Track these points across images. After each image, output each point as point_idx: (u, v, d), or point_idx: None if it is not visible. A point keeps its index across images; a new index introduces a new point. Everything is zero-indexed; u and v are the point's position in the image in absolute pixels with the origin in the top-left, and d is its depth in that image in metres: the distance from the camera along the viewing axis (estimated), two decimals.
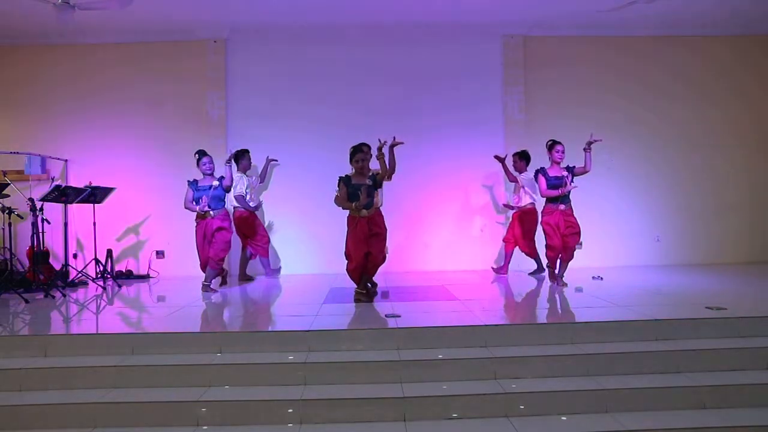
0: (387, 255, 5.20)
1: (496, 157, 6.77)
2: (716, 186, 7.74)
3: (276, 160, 7.40)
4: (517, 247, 6.76)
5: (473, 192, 7.59)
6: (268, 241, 6.93)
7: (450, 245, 7.57)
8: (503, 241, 6.96)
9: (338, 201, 5.07)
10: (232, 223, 6.08)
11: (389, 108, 7.44)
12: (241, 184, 6.61)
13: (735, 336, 3.93)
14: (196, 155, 5.94)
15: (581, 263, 7.37)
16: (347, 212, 5.14)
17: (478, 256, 7.50)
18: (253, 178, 7.04)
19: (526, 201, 6.61)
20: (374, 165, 5.19)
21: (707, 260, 7.63)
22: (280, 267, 7.37)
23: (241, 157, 6.72)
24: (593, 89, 7.67)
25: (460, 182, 7.60)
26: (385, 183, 6.37)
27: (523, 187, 6.62)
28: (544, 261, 6.12)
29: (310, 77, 7.53)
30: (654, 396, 3.34)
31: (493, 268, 7.08)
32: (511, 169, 6.79)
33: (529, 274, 6.85)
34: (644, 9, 6.65)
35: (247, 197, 6.67)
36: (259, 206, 6.99)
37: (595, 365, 3.61)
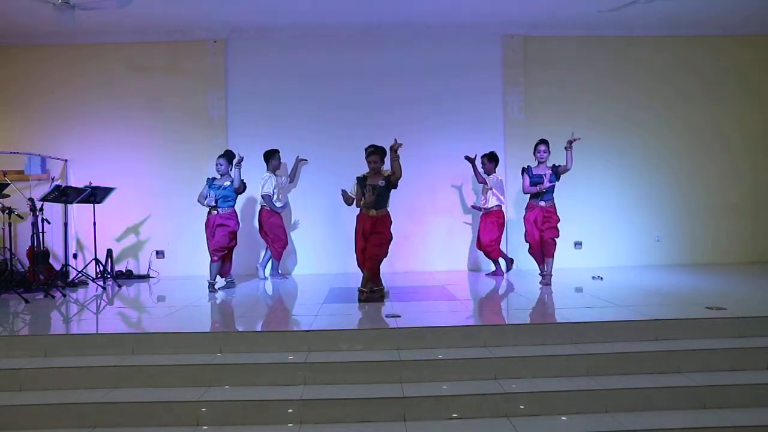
0: (387, 252, 5.16)
1: (467, 157, 6.72)
2: (716, 186, 7.74)
3: (305, 160, 7.37)
4: (482, 248, 6.76)
5: (474, 192, 7.58)
6: (284, 245, 6.88)
7: (451, 245, 7.57)
8: (478, 248, 6.94)
9: (346, 198, 5.15)
10: (238, 222, 6.12)
11: (389, 108, 7.44)
12: (269, 183, 6.65)
13: (735, 336, 3.92)
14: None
15: (581, 263, 7.40)
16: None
17: (479, 256, 7.50)
18: (283, 178, 7.05)
19: (492, 203, 6.64)
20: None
21: (707, 260, 7.63)
22: (289, 275, 7.30)
23: (270, 157, 6.77)
24: (593, 89, 7.66)
25: (460, 182, 7.60)
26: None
27: (491, 189, 6.63)
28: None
29: (309, 77, 7.53)
30: (654, 396, 3.34)
31: (486, 274, 7.01)
32: (480, 170, 6.76)
33: (487, 275, 6.88)
34: (644, 9, 6.65)
35: (275, 197, 6.69)
36: (285, 206, 6.99)
37: (595, 365, 3.61)
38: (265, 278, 6.95)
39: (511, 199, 7.50)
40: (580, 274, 6.59)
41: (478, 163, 6.77)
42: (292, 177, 7.31)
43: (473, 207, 7.23)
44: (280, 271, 7.00)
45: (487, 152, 6.76)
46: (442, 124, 7.52)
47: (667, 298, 5.05)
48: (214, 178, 6.11)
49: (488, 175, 6.71)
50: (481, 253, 7.06)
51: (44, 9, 5.77)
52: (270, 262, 6.99)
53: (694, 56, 7.78)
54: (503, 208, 6.72)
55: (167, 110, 7.52)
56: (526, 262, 6.93)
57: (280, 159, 6.89)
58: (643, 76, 7.72)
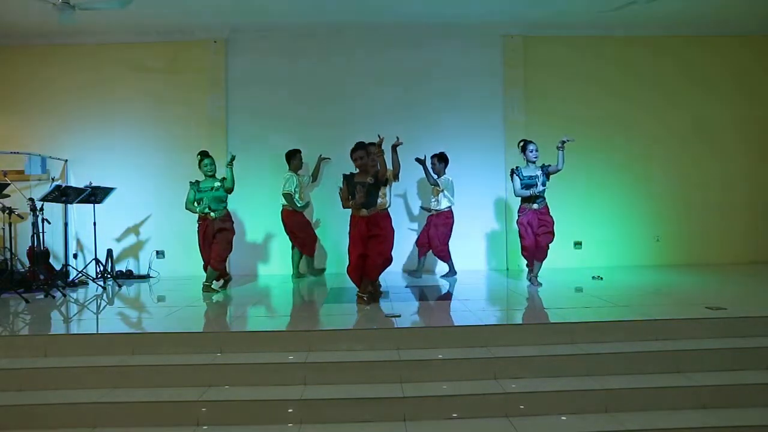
0: (391, 259, 5.05)
1: (417, 159, 6.54)
2: (716, 186, 7.72)
3: (328, 158, 7.28)
4: (431, 250, 6.70)
5: (473, 192, 7.57)
6: (310, 241, 6.89)
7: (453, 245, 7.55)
8: (417, 245, 6.89)
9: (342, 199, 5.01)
10: (233, 223, 6.10)
11: (389, 109, 7.42)
12: (290, 183, 6.67)
13: (735, 336, 3.93)
14: (198, 156, 5.95)
15: (581, 263, 7.39)
16: (346, 212, 5.12)
17: (478, 256, 7.50)
18: (305, 177, 7.06)
19: (443, 204, 6.57)
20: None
21: (707, 260, 7.62)
22: (324, 268, 7.28)
23: (292, 157, 6.80)
24: (593, 89, 7.65)
25: (459, 182, 7.58)
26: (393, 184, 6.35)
27: (442, 191, 6.56)
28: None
29: (309, 77, 7.52)
30: (654, 396, 3.34)
31: (441, 276, 6.92)
32: (430, 171, 6.63)
33: (442, 276, 6.84)
34: (644, 9, 6.65)
35: (296, 196, 6.70)
36: (307, 205, 6.98)
37: (595, 365, 3.61)
38: (300, 276, 6.94)
39: (513, 201, 7.48)
40: (580, 274, 6.59)
41: (429, 164, 6.64)
42: (315, 176, 7.26)
43: (423, 208, 7.17)
44: (315, 266, 7.03)
45: (436, 152, 6.65)
46: (441, 124, 7.50)
47: (667, 298, 5.06)
48: (197, 181, 5.95)
49: (438, 176, 6.61)
50: (482, 252, 7.04)
51: (44, 9, 5.76)
52: (301, 259, 6.96)
53: (694, 56, 7.76)
54: (453, 209, 6.63)
55: (167, 110, 7.51)
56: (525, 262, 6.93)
57: (301, 159, 6.90)
58: (643, 76, 7.71)
